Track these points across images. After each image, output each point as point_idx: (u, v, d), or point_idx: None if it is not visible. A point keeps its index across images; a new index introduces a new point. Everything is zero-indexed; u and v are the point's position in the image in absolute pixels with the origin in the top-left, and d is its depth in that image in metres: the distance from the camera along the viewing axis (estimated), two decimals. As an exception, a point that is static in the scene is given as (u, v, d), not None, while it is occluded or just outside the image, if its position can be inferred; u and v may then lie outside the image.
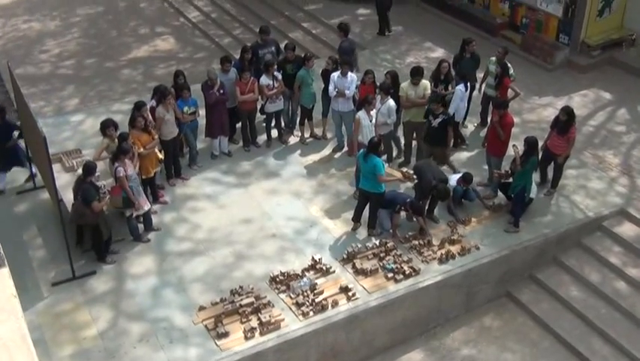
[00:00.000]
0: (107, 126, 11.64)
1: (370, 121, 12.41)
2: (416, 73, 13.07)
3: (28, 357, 5.82)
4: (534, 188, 12.07)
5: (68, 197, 11.37)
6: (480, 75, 14.48)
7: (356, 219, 11.90)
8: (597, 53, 17.10)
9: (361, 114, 12.40)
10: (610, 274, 11.70)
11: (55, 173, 10.82)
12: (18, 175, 12.85)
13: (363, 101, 12.53)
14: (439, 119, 12.42)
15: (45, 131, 10.08)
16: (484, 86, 14.29)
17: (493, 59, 14.03)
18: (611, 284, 11.54)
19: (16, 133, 12.41)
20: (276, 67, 13.65)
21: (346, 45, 14.94)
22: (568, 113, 12.12)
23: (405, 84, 13.18)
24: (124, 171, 10.92)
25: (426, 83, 13.25)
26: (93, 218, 10.72)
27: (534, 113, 15.25)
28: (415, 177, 11.67)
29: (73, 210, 10.93)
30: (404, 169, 12.03)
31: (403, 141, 13.51)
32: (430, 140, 12.74)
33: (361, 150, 11.64)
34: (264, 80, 13.39)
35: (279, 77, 13.59)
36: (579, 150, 13.89)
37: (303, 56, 13.89)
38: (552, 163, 12.55)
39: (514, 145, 11.98)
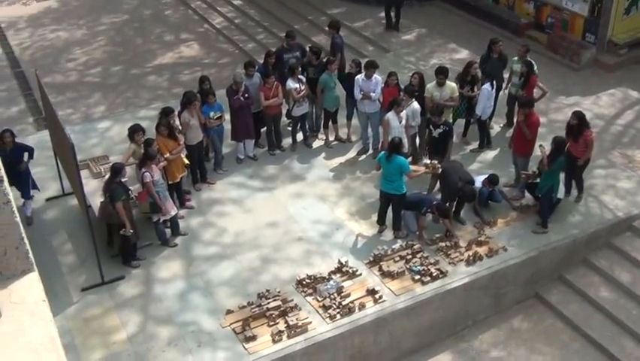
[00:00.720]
0: (136, 131, 11.71)
1: (400, 122, 12.36)
2: (440, 72, 13.03)
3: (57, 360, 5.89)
4: (561, 188, 11.94)
5: (96, 203, 11.53)
6: (507, 76, 14.37)
7: (381, 222, 11.87)
8: (624, 51, 16.93)
9: (390, 115, 12.36)
10: (641, 275, 11.56)
11: (83, 179, 10.94)
12: (47, 183, 12.98)
13: (392, 103, 12.48)
14: (439, 130, 12.35)
15: (73, 138, 10.16)
16: (509, 86, 14.19)
17: (516, 58, 13.94)
18: (642, 285, 11.40)
19: (26, 155, 12.04)
20: (300, 69, 13.70)
21: (339, 41, 15.08)
22: (579, 117, 11.90)
23: (430, 85, 13.15)
24: (151, 177, 11.01)
25: (453, 85, 13.20)
26: (120, 218, 10.81)
27: (561, 112, 15.10)
28: (439, 166, 11.62)
29: (101, 208, 11.05)
30: (427, 161, 11.96)
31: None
32: (430, 149, 12.70)
33: (382, 152, 11.61)
34: (291, 83, 13.40)
35: (304, 79, 13.63)
36: (607, 149, 13.74)
37: (325, 60, 13.91)
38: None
39: (540, 145, 11.86)
